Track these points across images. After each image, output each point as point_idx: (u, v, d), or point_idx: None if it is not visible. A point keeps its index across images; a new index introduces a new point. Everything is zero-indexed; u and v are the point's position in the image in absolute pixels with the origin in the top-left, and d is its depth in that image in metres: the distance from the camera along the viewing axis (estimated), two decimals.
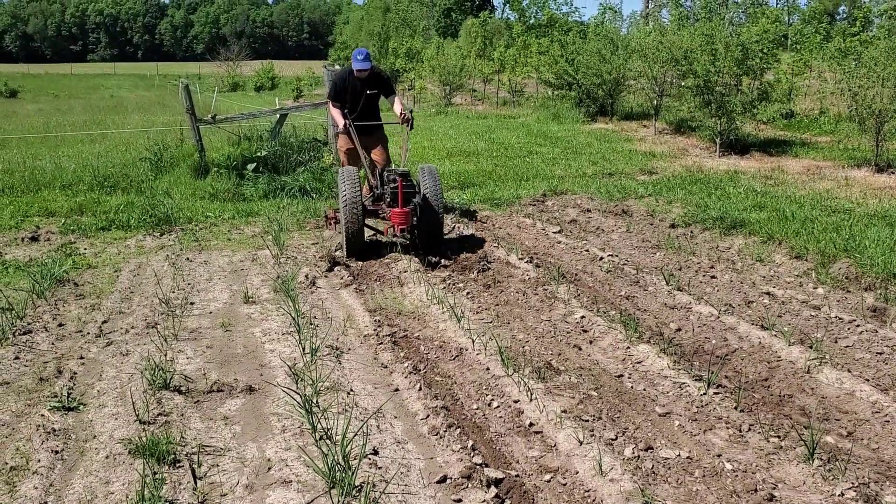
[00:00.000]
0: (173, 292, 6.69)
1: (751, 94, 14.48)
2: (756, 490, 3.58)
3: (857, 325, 5.68)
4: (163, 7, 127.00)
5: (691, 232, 8.73)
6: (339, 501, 3.42)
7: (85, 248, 8.35)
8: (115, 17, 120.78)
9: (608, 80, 20.16)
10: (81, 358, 5.30)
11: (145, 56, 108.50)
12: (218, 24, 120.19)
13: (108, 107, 29.15)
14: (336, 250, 7.97)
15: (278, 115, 12.33)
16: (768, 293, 6.49)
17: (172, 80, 45.58)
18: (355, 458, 3.77)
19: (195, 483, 3.65)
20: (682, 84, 15.72)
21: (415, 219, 7.60)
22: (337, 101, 8.73)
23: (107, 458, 3.92)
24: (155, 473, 3.66)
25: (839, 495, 3.52)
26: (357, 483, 3.57)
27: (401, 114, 8.57)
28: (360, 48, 9.00)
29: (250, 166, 11.50)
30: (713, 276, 7.03)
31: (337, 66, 13.66)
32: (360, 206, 7.53)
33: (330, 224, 8.63)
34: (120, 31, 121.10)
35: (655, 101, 18.06)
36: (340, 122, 8.57)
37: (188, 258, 7.88)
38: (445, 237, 8.28)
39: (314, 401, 4.37)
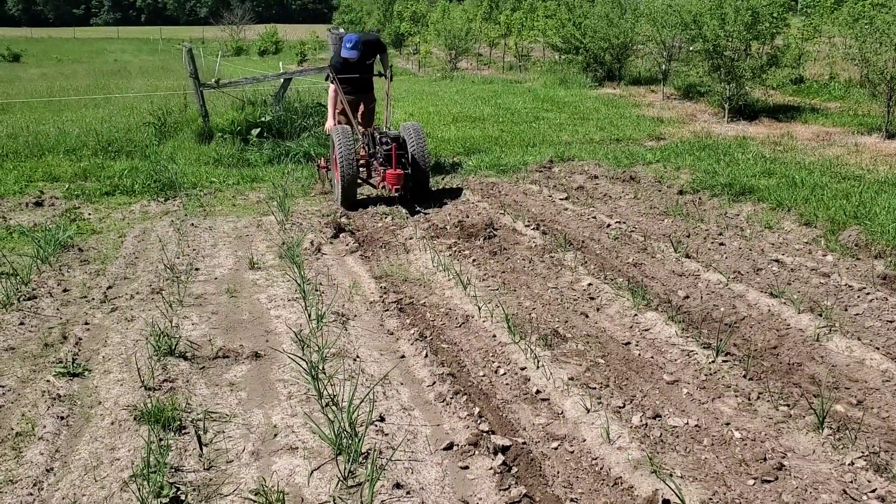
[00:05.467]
0: (178, 258, 6.66)
1: (760, 59, 14.28)
2: (765, 459, 3.55)
3: (868, 293, 5.63)
4: None
5: (699, 199, 8.65)
6: (345, 468, 3.40)
7: (89, 214, 8.31)
8: None
9: (616, 44, 19.92)
10: (86, 324, 5.28)
11: (148, 20, 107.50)
12: None
13: (111, 71, 28.97)
14: (336, 208, 8.40)
15: (282, 80, 12.20)
16: (777, 260, 6.44)
17: (176, 45, 45.18)
18: (362, 425, 3.76)
19: (201, 450, 3.64)
20: (691, 49, 15.51)
21: (407, 171, 8.36)
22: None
23: (112, 424, 3.91)
24: (160, 440, 3.65)
25: (849, 464, 3.49)
26: (364, 450, 3.56)
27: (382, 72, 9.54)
28: (350, 35, 9.14)
29: (254, 132, 11.40)
30: (721, 244, 6.96)
31: (342, 30, 13.53)
32: (355, 160, 8.18)
33: (322, 173, 9.45)
34: None
35: (664, 66, 17.86)
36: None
37: (193, 224, 7.84)
38: (450, 201, 8.55)
39: (320, 367, 4.35)
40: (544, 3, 29.51)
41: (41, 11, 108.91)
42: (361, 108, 9.64)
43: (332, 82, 9.12)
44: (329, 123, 9.16)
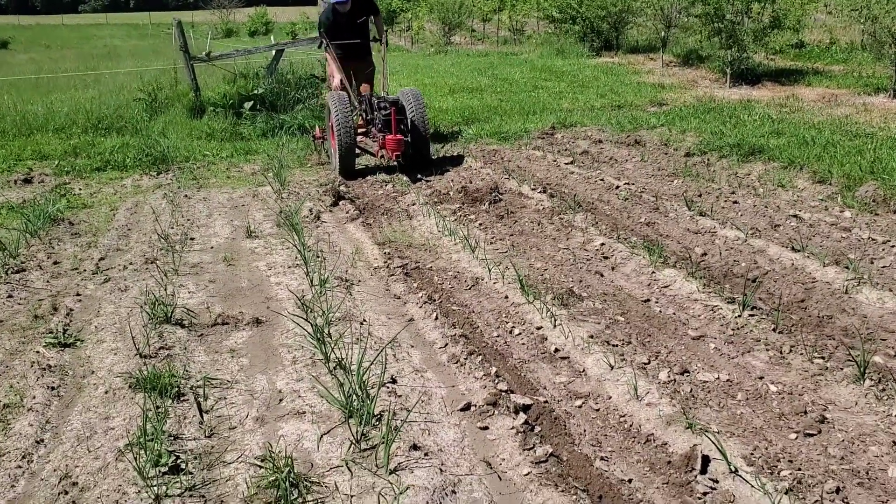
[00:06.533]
0: (172, 228, 6.41)
1: (761, 21, 13.97)
2: (805, 412, 3.32)
3: (893, 246, 5.39)
4: None
5: (708, 160, 8.39)
6: (357, 431, 3.17)
7: (80, 189, 8.03)
8: None
9: (613, 12, 19.57)
10: (78, 295, 5.03)
11: (137, 6, 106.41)
12: None
13: (100, 55, 28.48)
14: (334, 177, 8.13)
15: (274, 52, 11.89)
16: (795, 216, 6.20)
17: (165, 29, 44.56)
18: (373, 388, 3.52)
19: (201, 417, 3.40)
20: (691, 13, 15.16)
21: (406, 139, 8.02)
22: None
23: (106, 393, 3.67)
24: (157, 408, 3.40)
25: (895, 416, 3.26)
26: (376, 412, 3.32)
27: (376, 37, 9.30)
28: None
29: (247, 105, 11.10)
30: (735, 202, 6.72)
31: None
32: (352, 126, 7.89)
33: (318, 143, 9.16)
34: None
35: (663, 34, 17.53)
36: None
37: (186, 195, 7.58)
38: (452, 168, 8.28)
39: (325, 331, 4.11)
40: None
41: None
42: (361, 77, 9.16)
43: (325, 49, 8.83)
44: (336, 81, 8.76)
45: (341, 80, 8.71)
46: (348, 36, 8.88)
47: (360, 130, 8.55)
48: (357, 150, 8.31)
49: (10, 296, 5.02)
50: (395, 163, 8.08)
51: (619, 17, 19.86)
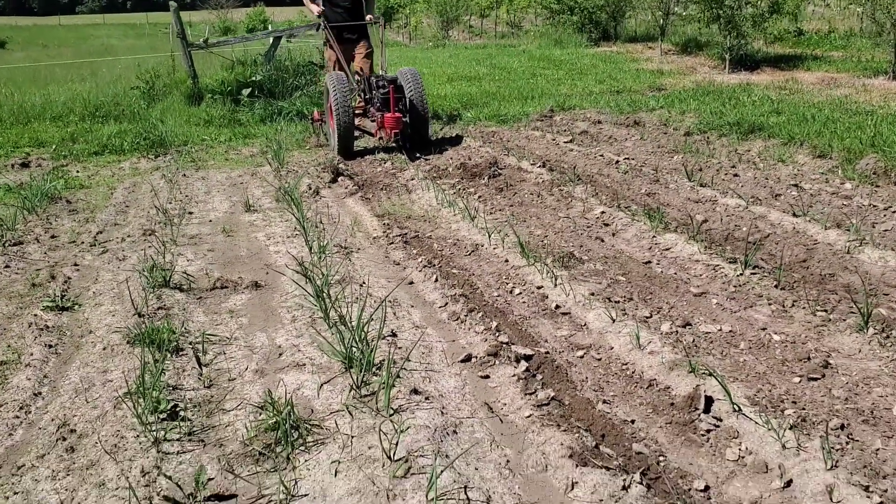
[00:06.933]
0: (170, 203, 6.38)
1: (760, 6, 13.94)
2: (809, 358, 3.30)
3: (895, 212, 5.37)
4: None
5: (707, 138, 8.35)
6: (358, 378, 3.14)
7: (77, 171, 8.00)
8: None
9: (611, 1, 19.53)
10: (76, 265, 5.00)
11: (134, 7, 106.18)
12: None
13: (98, 52, 28.45)
14: (332, 157, 8.04)
15: (272, 39, 11.86)
16: (796, 185, 6.18)
17: (162, 28, 44.48)
18: (372, 341, 3.49)
19: (200, 368, 3.37)
20: (684, 13, 15.10)
21: (405, 119, 7.95)
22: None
23: (104, 349, 3.64)
24: (156, 361, 3.37)
25: None
26: (376, 362, 3.29)
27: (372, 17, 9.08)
28: None
29: (245, 91, 11.05)
30: (736, 175, 6.69)
31: None
32: (350, 106, 7.87)
33: (316, 125, 9.09)
34: None
35: (661, 21, 17.50)
36: (314, 8, 8.83)
37: (185, 175, 7.55)
38: (451, 148, 8.26)
39: (325, 291, 4.08)
40: None
41: (26, 1, 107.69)
42: (359, 58, 9.11)
43: (324, 29, 8.79)
44: (333, 63, 8.85)
45: (339, 61, 8.68)
46: (344, 16, 8.82)
47: (358, 111, 8.51)
48: (356, 133, 8.28)
49: (6, 266, 4.99)
50: (394, 143, 8.05)
51: (617, 6, 19.84)
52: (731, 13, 13.66)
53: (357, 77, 8.66)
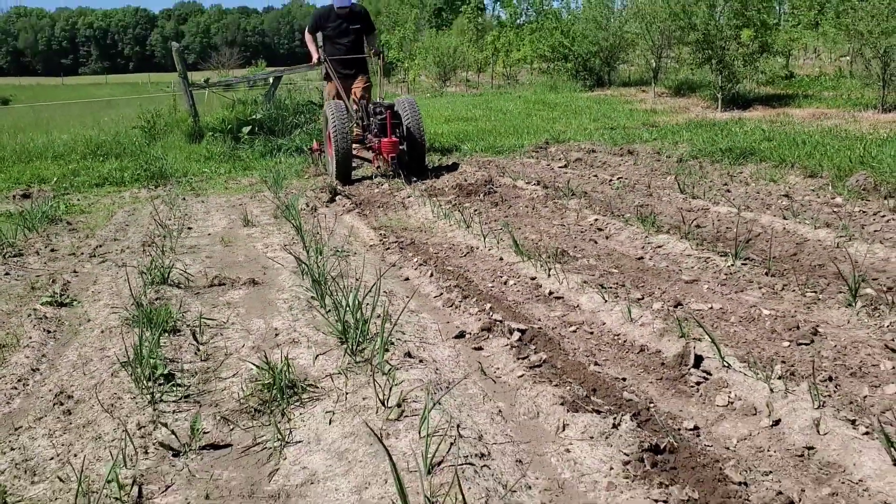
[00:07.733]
0: (170, 220, 6.46)
1: (751, 45, 14.22)
2: (798, 328, 3.34)
3: (883, 216, 5.45)
4: (153, 18, 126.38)
5: (700, 164, 8.46)
6: (352, 346, 3.18)
7: (78, 200, 8.11)
8: (106, 29, 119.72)
9: (605, 47, 19.92)
10: (75, 272, 5.06)
11: (136, 67, 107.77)
12: (209, 34, 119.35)
13: (100, 105, 28.87)
14: (331, 181, 8.07)
15: (272, 79, 12.09)
16: (787, 196, 6.27)
17: (164, 87, 45.28)
18: (367, 322, 3.53)
19: (197, 344, 3.41)
20: (684, 41, 15.37)
21: (402, 147, 8.08)
22: (315, 34, 9.11)
23: (102, 332, 3.68)
24: (154, 336, 3.40)
25: (888, 326, 3.28)
26: (371, 333, 3.33)
27: (374, 51, 9.17)
28: None
29: (245, 129, 11.23)
30: (728, 190, 6.79)
31: None
32: (348, 133, 7.98)
33: (315, 155, 9.28)
34: (110, 43, 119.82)
35: (654, 64, 17.83)
36: (314, 54, 9.04)
37: (184, 198, 7.65)
38: (447, 173, 8.38)
39: (322, 281, 4.12)
40: (530, 24, 29.58)
41: (29, 62, 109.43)
42: (358, 91, 9.15)
43: (324, 63, 8.94)
44: (333, 95, 9.02)
45: (338, 94, 8.85)
46: (343, 48, 8.97)
47: (356, 140, 8.63)
48: (354, 162, 8.39)
49: (7, 273, 5.05)
50: (391, 170, 8.13)
51: (610, 52, 20.22)
52: (722, 53, 13.93)
53: (355, 106, 8.81)
